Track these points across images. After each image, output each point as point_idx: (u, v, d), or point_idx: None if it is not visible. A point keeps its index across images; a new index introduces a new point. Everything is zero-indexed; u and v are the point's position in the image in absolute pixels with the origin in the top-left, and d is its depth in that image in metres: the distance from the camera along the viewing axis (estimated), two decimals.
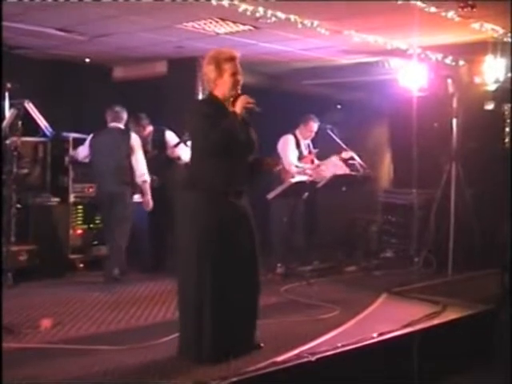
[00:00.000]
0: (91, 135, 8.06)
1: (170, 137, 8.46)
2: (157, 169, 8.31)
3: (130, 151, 7.82)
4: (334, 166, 8.52)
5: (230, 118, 4.71)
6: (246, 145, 4.85)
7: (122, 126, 8.01)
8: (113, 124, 7.95)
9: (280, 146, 8.50)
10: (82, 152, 8.13)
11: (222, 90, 4.83)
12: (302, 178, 8.16)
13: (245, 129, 4.84)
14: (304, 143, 8.72)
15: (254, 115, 4.88)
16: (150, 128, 8.57)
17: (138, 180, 7.84)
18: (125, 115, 8.02)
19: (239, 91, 4.82)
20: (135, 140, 7.93)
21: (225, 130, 4.65)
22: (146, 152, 8.31)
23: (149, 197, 7.94)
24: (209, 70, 4.83)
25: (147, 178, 7.90)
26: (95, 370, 4.56)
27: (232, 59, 4.80)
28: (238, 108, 4.73)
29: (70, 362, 4.73)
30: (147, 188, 7.92)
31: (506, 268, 6.80)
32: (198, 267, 4.73)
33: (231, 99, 4.83)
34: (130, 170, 7.81)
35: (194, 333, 4.75)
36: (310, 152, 8.83)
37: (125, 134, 7.95)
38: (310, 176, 8.38)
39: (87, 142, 8.05)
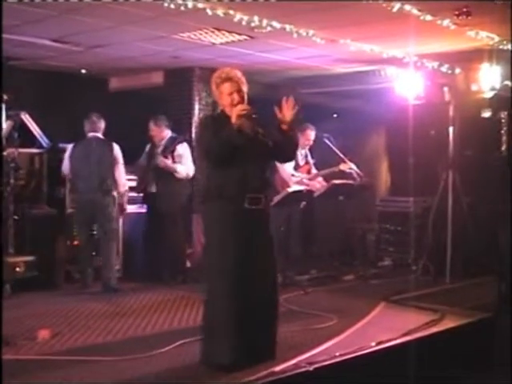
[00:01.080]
0: (70, 147, 8.03)
1: (181, 148, 8.33)
2: (154, 176, 8.30)
3: (113, 162, 7.90)
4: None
5: (226, 128, 4.80)
6: (250, 151, 4.89)
7: (100, 135, 8.02)
8: (91, 134, 7.97)
9: None
10: (65, 167, 8.10)
11: (224, 106, 5.01)
12: (298, 188, 8.16)
13: (249, 136, 4.88)
14: (301, 152, 8.70)
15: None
16: (166, 132, 8.46)
17: (122, 189, 7.98)
18: (102, 124, 8.02)
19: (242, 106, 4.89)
20: (118, 150, 7.98)
21: (220, 140, 4.78)
22: (154, 155, 8.33)
23: (125, 202, 8.15)
24: (213, 89, 5.07)
25: (127, 186, 8.11)
26: (93, 381, 4.54)
27: (228, 79, 4.97)
28: (233, 117, 4.82)
29: (68, 373, 4.71)
30: (126, 195, 8.12)
31: (504, 275, 6.79)
32: (222, 277, 4.83)
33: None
34: (114, 180, 7.89)
35: (221, 339, 4.81)
36: (306, 162, 8.82)
37: (107, 144, 7.96)
38: (307, 185, 8.38)
39: (67, 155, 8.04)
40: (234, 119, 4.81)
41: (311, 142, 8.78)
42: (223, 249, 4.86)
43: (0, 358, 4.68)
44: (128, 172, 8.29)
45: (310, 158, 8.88)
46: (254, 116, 4.85)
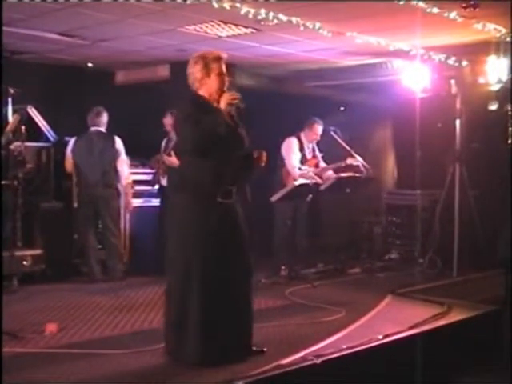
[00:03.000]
0: (71, 141, 8.07)
1: None
2: (165, 169, 8.29)
3: (116, 155, 7.97)
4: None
5: (212, 116, 4.71)
6: (231, 142, 4.80)
7: (103, 129, 8.08)
8: (94, 128, 8.03)
9: (283, 148, 8.47)
10: (67, 161, 8.11)
11: (208, 89, 4.86)
12: (305, 181, 8.15)
13: (231, 126, 4.81)
14: (308, 146, 8.68)
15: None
16: None
17: (124, 182, 8.08)
18: (105, 118, 8.07)
19: (225, 90, 4.83)
20: (119, 143, 8.06)
21: (206, 127, 4.65)
22: (166, 149, 8.29)
23: (130, 198, 8.23)
24: (196, 70, 4.85)
25: (129, 180, 8.18)
26: (100, 375, 4.55)
27: (219, 59, 4.86)
28: (223, 105, 4.75)
29: (75, 366, 4.72)
30: (130, 190, 8.19)
31: (509, 268, 6.78)
32: (186, 269, 4.73)
33: (217, 98, 4.84)
34: (115, 173, 8.00)
35: (180, 335, 4.76)
36: (314, 155, 8.80)
37: (109, 138, 8.04)
38: (314, 179, 8.37)
39: (68, 149, 8.06)
40: (223, 106, 4.72)
41: (318, 137, 8.73)
42: (188, 243, 4.76)
43: (0, 357, 4.68)
44: (132, 165, 8.32)
45: (317, 151, 8.86)
46: (242, 107, 4.79)
